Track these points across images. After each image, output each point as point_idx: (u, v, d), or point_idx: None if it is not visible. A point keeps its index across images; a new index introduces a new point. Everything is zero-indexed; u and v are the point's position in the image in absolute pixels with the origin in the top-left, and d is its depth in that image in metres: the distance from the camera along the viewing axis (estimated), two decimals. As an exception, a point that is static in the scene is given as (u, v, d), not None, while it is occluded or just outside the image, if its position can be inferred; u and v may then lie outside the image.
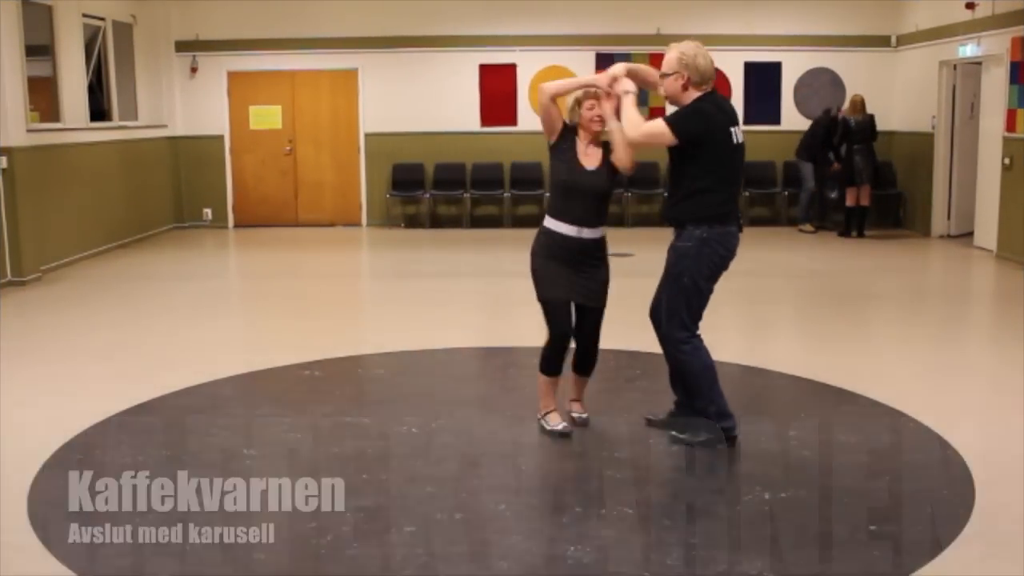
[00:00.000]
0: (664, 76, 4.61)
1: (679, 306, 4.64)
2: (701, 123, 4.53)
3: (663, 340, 4.77)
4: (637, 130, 4.57)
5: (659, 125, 4.53)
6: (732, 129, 4.58)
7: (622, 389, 5.60)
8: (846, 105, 12.57)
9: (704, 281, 4.64)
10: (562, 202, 4.75)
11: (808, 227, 12.74)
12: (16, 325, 7.70)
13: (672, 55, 4.56)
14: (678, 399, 4.92)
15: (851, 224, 12.23)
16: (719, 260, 4.64)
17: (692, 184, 4.58)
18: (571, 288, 4.78)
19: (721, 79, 13.38)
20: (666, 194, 4.86)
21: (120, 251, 11.59)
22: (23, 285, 9.17)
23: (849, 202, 12.22)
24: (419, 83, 13.48)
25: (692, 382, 4.73)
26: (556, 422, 4.88)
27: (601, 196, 4.76)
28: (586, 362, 4.98)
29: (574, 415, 5.02)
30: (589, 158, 4.76)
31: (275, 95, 13.66)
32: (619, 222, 12.96)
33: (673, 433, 4.80)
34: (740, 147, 4.64)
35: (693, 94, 4.56)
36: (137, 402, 5.47)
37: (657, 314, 4.77)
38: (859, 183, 12.05)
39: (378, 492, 4.18)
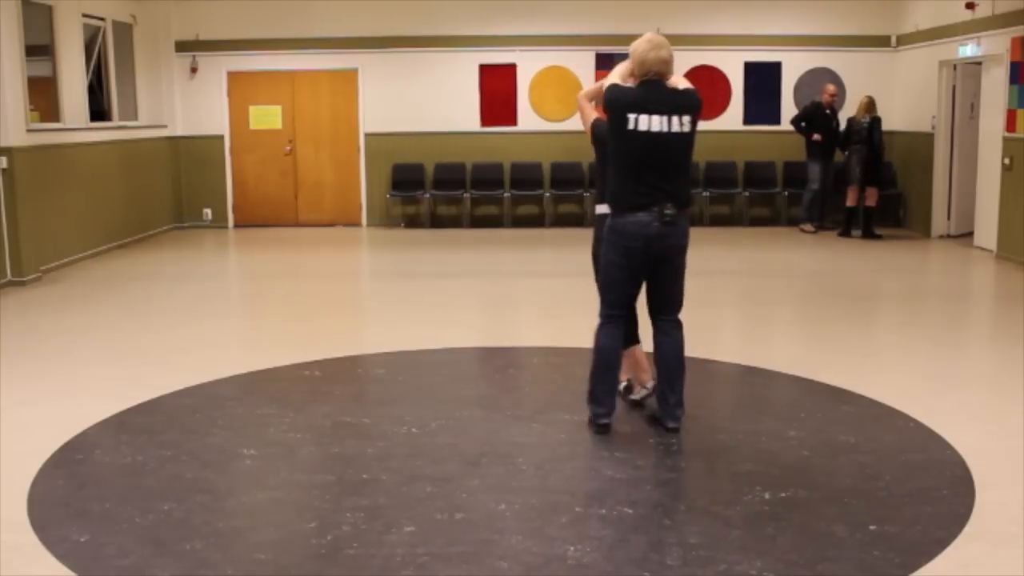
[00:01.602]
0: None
1: (601, 285, 4.89)
2: (606, 101, 4.71)
3: None
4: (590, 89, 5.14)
5: (582, 94, 5.09)
6: (631, 115, 4.55)
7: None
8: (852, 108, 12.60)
9: (615, 268, 4.75)
10: None
11: (809, 227, 12.75)
12: (16, 325, 7.70)
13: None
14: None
15: (850, 224, 12.24)
16: (623, 249, 4.69)
17: (602, 167, 4.87)
18: None
19: (721, 79, 13.42)
20: None
21: (120, 251, 11.59)
22: (23, 285, 9.18)
23: (848, 202, 12.24)
24: (419, 83, 13.48)
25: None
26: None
27: None
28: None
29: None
30: None
31: (275, 95, 13.66)
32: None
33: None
34: (643, 136, 4.54)
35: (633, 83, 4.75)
36: (137, 402, 5.48)
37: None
38: (849, 182, 12.11)
39: (378, 492, 4.19)
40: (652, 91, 4.63)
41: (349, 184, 13.83)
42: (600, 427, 4.87)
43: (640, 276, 4.78)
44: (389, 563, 3.52)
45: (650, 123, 4.54)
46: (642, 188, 4.60)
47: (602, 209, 5.02)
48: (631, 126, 4.56)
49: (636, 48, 4.66)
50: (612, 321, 4.84)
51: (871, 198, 12.18)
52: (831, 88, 12.72)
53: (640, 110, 4.56)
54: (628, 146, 4.61)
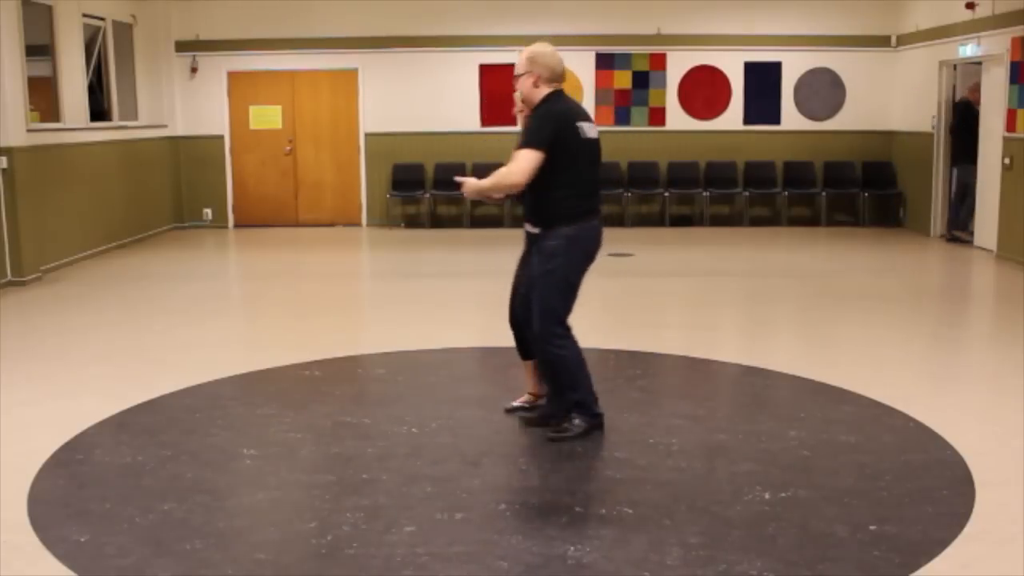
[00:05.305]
0: (517, 77, 4.80)
1: (555, 302, 4.70)
2: (550, 123, 4.63)
3: (536, 338, 4.79)
4: (513, 175, 4.57)
5: (526, 154, 4.55)
6: (579, 124, 4.68)
7: (622, 389, 5.60)
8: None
9: (576, 276, 4.77)
10: None
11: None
12: (16, 325, 7.70)
13: (523, 57, 4.77)
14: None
15: None
16: (587, 255, 4.78)
17: (550, 186, 4.63)
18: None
19: (721, 79, 13.41)
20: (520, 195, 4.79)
21: (120, 251, 11.60)
22: (23, 285, 9.18)
23: None
24: (419, 83, 13.49)
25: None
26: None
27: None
28: None
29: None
30: None
31: (275, 95, 13.67)
32: (619, 222, 12.96)
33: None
34: (590, 142, 4.72)
35: (544, 91, 4.74)
36: (137, 402, 5.48)
37: (528, 313, 4.81)
38: None
39: (378, 492, 4.19)
40: (574, 101, 4.87)
41: (349, 184, 13.83)
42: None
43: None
44: (389, 563, 3.52)
45: (592, 132, 4.75)
46: (594, 194, 4.87)
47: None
48: (583, 135, 4.69)
49: (543, 56, 4.72)
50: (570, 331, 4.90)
51: None
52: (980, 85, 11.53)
53: (583, 119, 4.76)
54: (581, 154, 4.74)
